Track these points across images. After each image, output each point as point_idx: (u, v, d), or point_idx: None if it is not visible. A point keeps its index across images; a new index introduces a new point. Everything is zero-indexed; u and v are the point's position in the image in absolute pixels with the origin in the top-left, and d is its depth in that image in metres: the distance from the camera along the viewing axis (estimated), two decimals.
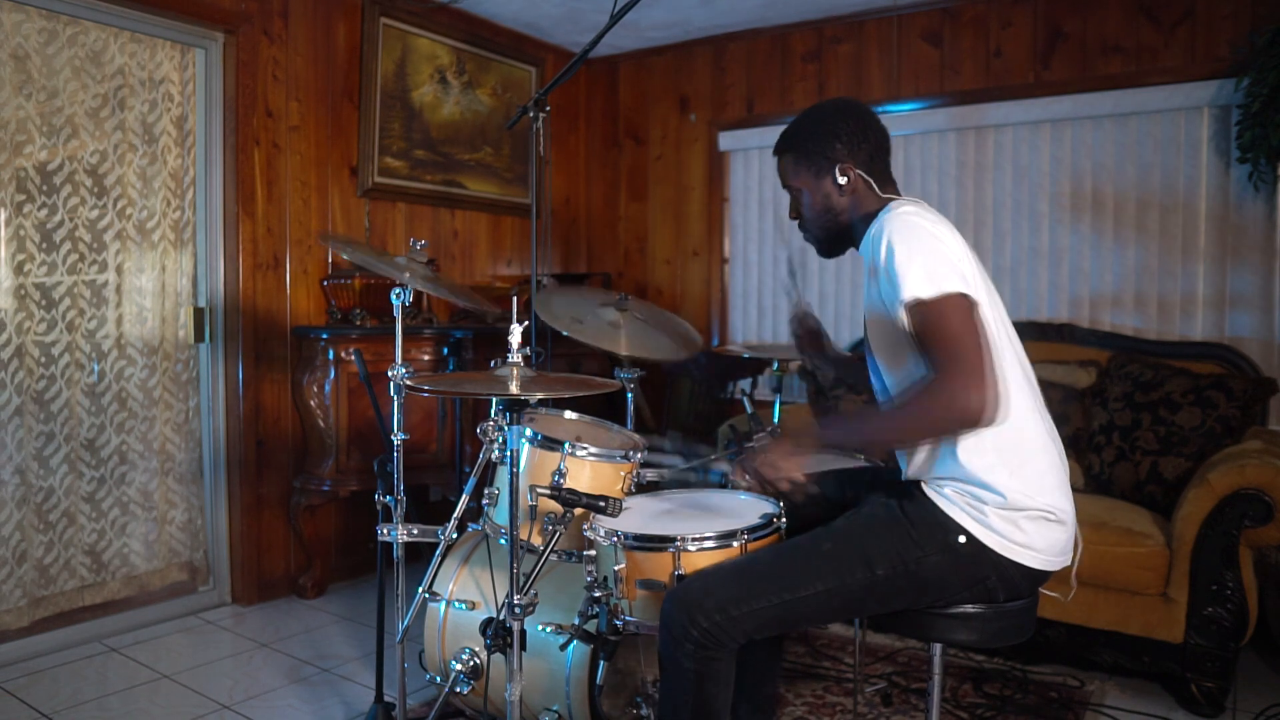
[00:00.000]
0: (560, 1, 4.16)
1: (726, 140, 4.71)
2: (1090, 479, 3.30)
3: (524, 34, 4.63)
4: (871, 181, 1.81)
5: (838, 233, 1.87)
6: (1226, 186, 3.54)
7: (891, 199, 1.80)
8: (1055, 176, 3.89)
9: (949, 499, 1.67)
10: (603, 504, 1.81)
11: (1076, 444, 3.35)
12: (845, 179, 1.80)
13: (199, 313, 3.55)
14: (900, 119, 4.21)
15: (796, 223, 1.92)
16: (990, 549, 1.64)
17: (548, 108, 2.54)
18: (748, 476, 1.78)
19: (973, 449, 1.65)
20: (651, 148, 5.00)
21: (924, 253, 1.60)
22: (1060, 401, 3.38)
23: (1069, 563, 1.74)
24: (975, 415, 1.54)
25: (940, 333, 1.56)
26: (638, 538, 1.80)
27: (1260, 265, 3.49)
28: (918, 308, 1.58)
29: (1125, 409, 3.25)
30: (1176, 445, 3.08)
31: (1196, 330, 3.61)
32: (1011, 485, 1.63)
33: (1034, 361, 3.67)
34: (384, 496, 2.33)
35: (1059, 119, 3.86)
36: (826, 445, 1.81)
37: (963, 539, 1.64)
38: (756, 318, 4.70)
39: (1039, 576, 1.70)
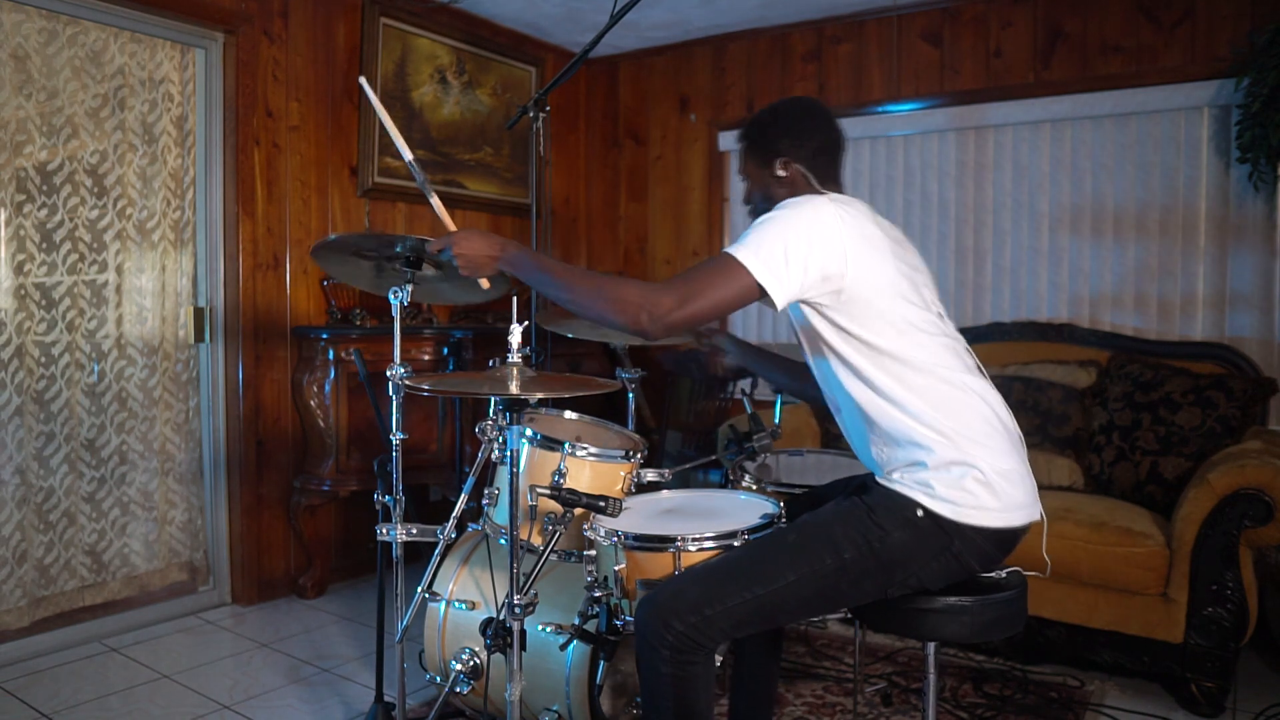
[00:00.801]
0: (560, 1, 4.16)
1: (726, 140, 4.71)
2: (1090, 479, 3.30)
3: (524, 34, 4.64)
4: (811, 177, 1.87)
5: None
6: (1226, 186, 3.54)
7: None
8: (1055, 176, 3.89)
9: (898, 482, 1.72)
10: (603, 504, 1.81)
11: (1076, 444, 3.35)
12: (785, 172, 1.88)
13: (199, 313, 3.55)
14: (900, 119, 4.22)
15: (748, 210, 1.98)
16: (947, 518, 1.67)
17: (548, 108, 2.54)
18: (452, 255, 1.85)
19: (900, 415, 1.70)
20: (651, 148, 5.00)
21: (779, 232, 1.65)
22: (1060, 401, 3.38)
23: (1036, 517, 1.74)
24: (644, 324, 1.63)
25: (703, 271, 1.66)
26: (638, 538, 1.80)
27: (1260, 265, 3.50)
28: (720, 254, 1.67)
29: (1125, 409, 3.25)
30: (1176, 445, 3.08)
31: (1196, 330, 3.61)
32: (939, 441, 1.67)
33: (1034, 361, 3.68)
34: (383, 496, 2.33)
35: (1059, 119, 3.86)
36: (521, 269, 1.81)
37: (920, 513, 1.68)
38: (756, 318, 4.70)
39: (1003, 537, 1.71)
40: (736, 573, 1.68)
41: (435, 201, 1.99)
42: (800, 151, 1.87)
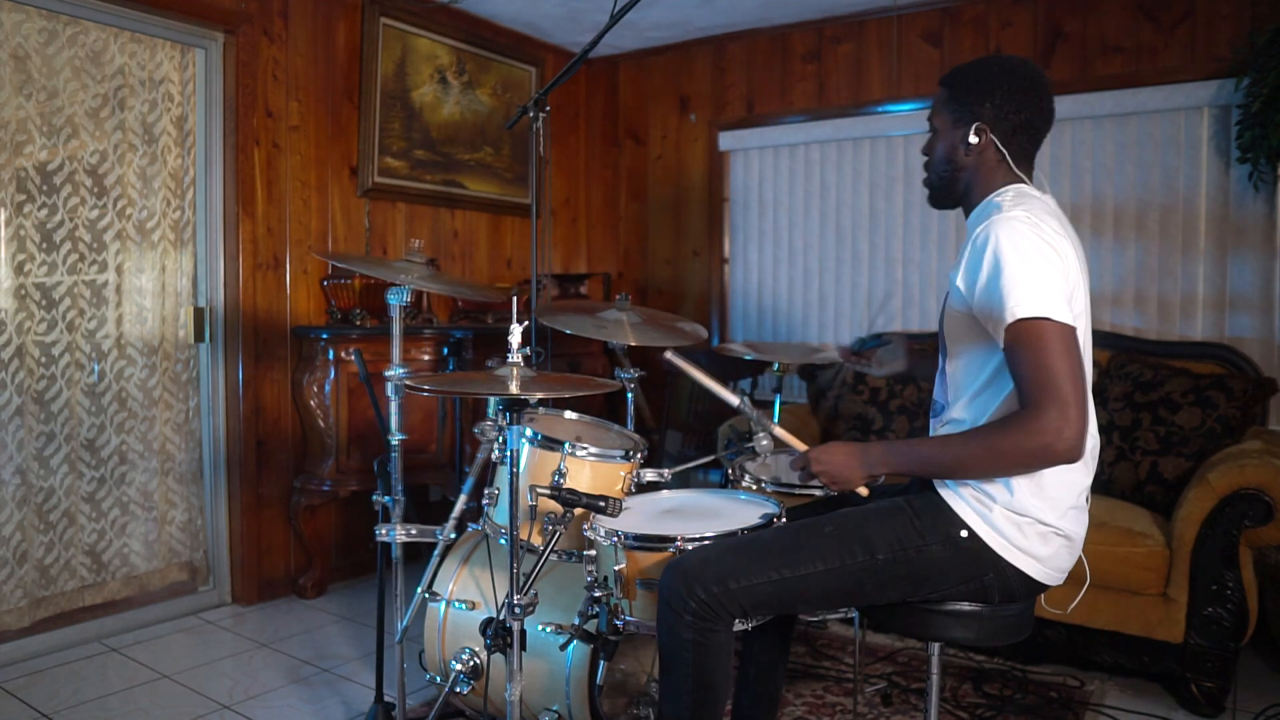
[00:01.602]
0: (560, 1, 4.16)
1: (726, 140, 4.71)
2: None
3: (524, 34, 4.64)
4: (1006, 154, 1.72)
5: (951, 188, 1.79)
6: (1226, 186, 3.54)
7: (1018, 182, 1.72)
8: (1055, 176, 3.89)
9: (957, 492, 1.66)
10: (603, 504, 1.81)
11: None
12: (977, 139, 1.72)
13: (199, 313, 3.55)
14: (900, 119, 4.22)
15: (924, 161, 1.84)
16: (991, 549, 1.63)
17: (548, 108, 2.54)
18: (805, 470, 1.75)
19: None
20: (651, 148, 5.00)
21: (1036, 269, 1.52)
22: None
23: (1061, 581, 1.72)
24: (1061, 451, 1.49)
25: (1037, 360, 1.49)
26: (638, 538, 1.80)
27: (1260, 265, 3.50)
28: (1017, 327, 1.50)
29: (1125, 409, 3.25)
30: (1176, 445, 3.08)
31: (1196, 330, 3.61)
32: (1024, 487, 1.61)
33: None
34: (383, 497, 2.33)
35: (1059, 119, 3.81)
36: (892, 467, 1.68)
37: (965, 534, 1.64)
38: (756, 318, 4.70)
39: (1034, 586, 1.68)
40: (768, 552, 1.67)
41: (778, 431, 1.91)
42: (1003, 123, 1.72)
